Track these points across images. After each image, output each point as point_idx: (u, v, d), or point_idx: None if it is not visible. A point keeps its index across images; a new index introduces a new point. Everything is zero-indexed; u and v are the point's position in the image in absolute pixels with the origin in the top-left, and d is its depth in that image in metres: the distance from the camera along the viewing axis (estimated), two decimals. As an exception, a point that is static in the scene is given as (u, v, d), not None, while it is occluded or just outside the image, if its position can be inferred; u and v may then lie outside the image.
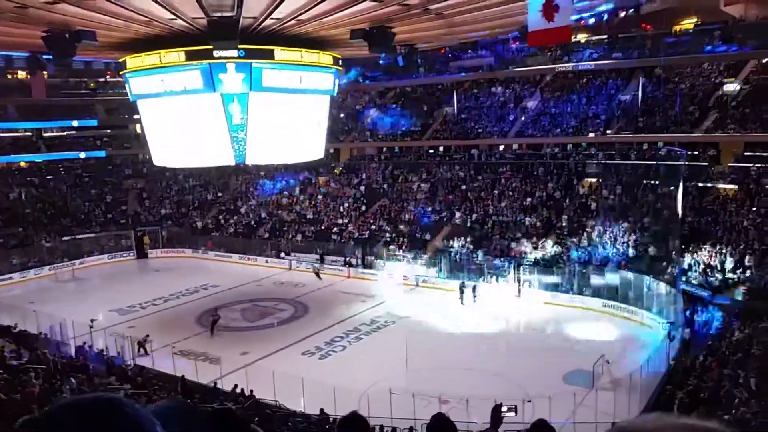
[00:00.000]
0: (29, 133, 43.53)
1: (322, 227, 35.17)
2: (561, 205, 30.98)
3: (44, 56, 17.77)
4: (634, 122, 32.06)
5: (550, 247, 28.16)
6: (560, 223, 29.69)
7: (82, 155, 43.90)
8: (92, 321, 20.61)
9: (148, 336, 20.23)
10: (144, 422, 1.03)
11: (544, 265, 26.85)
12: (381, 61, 34.85)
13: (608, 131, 32.71)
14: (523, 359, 19.19)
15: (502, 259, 27.79)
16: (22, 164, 42.43)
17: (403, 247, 31.17)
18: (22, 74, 43.20)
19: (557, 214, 30.28)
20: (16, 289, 28.78)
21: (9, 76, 43.47)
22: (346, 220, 35.42)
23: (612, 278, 24.52)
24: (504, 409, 11.42)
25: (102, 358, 18.39)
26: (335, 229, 34.63)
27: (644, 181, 29.90)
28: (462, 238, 30.54)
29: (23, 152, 42.16)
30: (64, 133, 44.93)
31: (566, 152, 34.47)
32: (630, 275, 24.02)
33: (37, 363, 17.01)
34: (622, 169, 31.18)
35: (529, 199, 32.23)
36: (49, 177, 41.70)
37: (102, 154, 44.51)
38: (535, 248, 28.37)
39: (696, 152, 29.62)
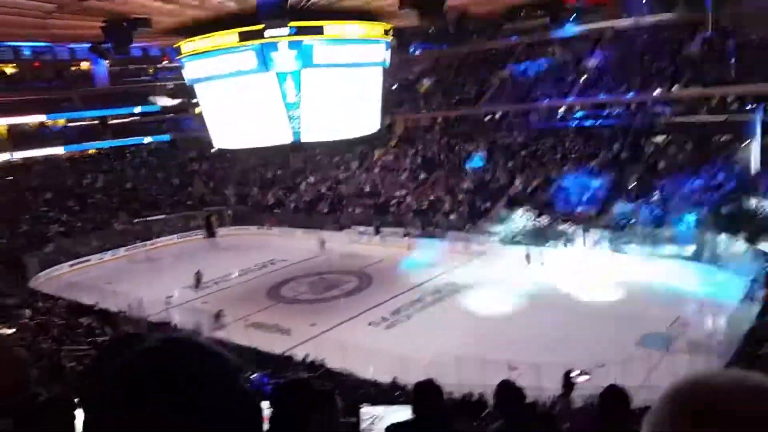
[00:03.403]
0: (95, 122, 45.37)
1: (381, 200, 35.29)
2: (628, 166, 29.91)
3: (104, 46, 18.39)
4: (703, 76, 30.39)
5: (618, 209, 27.31)
6: (628, 184, 28.68)
7: (147, 140, 45.51)
8: (168, 297, 21.61)
9: (221, 311, 20.99)
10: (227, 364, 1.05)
11: (614, 227, 26.11)
12: (432, 30, 34.46)
13: (674, 87, 31.16)
14: (594, 323, 18.77)
15: (568, 223, 27.16)
16: (91, 152, 44.33)
17: (464, 216, 30.94)
18: (85, 65, 44.89)
19: (625, 176, 29.24)
20: (94, 271, 30.29)
21: (73, 68, 45.25)
22: (403, 192, 35.40)
23: (686, 237, 23.61)
24: (575, 373, 11.30)
25: (179, 332, 19.23)
26: (393, 202, 34.69)
27: (716, 137, 28.53)
28: (525, 204, 30.00)
29: (91, 140, 44.02)
30: (128, 120, 46.61)
31: (631, 111, 33.14)
32: (705, 234, 23.07)
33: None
34: (692, 126, 29.76)
35: (593, 162, 31.25)
36: (116, 163, 43.44)
37: (166, 138, 46.00)
38: (603, 211, 27.55)
39: None
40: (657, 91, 31.72)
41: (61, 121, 44.52)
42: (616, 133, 32.42)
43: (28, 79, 42.48)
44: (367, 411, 4.68)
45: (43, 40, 32.28)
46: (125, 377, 0.98)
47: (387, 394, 13.47)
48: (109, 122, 45.91)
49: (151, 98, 45.34)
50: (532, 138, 35.21)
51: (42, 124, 43.48)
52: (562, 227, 27.14)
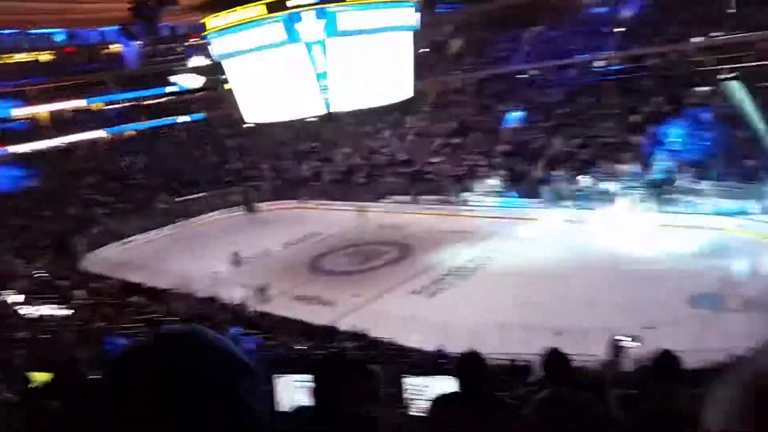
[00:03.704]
0: (130, 103, 46.09)
1: (416, 168, 35.02)
2: (671, 120, 28.87)
3: (133, 27, 18.50)
4: (746, 21, 28.83)
5: (663, 165, 26.48)
6: (671, 139, 27.74)
7: (182, 119, 46.07)
8: (214, 273, 22.08)
9: (266, 285, 21.33)
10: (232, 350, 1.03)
11: (660, 185, 25.36)
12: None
13: (716, 34, 29.72)
14: (643, 285, 18.28)
15: (610, 183, 26.50)
16: (127, 134, 45.15)
17: (502, 180, 30.50)
18: (115, 47, 45.38)
19: (667, 130, 28.27)
20: (141, 250, 31.06)
21: (104, 51, 45.82)
22: (439, 159, 35.04)
23: (738, 193, 22.76)
24: (624, 339, 10.98)
25: (226, 307, 19.67)
26: (429, 168, 34.38)
27: (765, 83, 27.22)
28: (564, 164, 29.38)
29: (127, 122, 44.80)
30: (163, 100, 47.18)
31: (671, 62, 31.85)
32: (760, 187, 22.19)
33: (170, 316, 18.51)
34: (738, 73, 28.42)
35: (634, 117, 30.27)
36: (154, 143, 44.17)
37: (201, 116, 46.49)
38: (647, 167, 26.76)
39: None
40: (697, 39, 30.34)
41: (99, 105, 45.33)
42: (656, 86, 31.27)
43: (63, 64, 43.21)
44: (410, 382, 4.65)
45: (74, 24, 32.79)
46: (108, 374, 0.98)
47: (431, 362, 13.50)
48: (144, 103, 46.63)
49: (174, 78, 45.60)
50: (569, 95, 34.27)
51: (78, 109, 44.34)
52: (604, 186, 26.50)
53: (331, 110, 19.04)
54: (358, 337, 16.04)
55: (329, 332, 16.66)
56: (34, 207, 33.63)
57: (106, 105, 45.29)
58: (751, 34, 28.44)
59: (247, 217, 35.59)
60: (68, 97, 42.91)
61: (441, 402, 3.47)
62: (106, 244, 31.50)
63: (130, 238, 32.63)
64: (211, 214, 36.24)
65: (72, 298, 20.05)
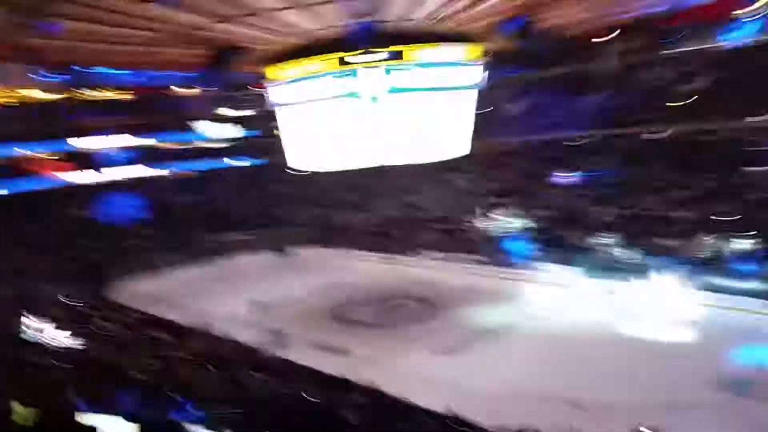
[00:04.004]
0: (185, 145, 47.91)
1: (453, 225, 34.68)
2: (722, 198, 27.86)
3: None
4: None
5: (708, 243, 25.42)
6: (719, 217, 26.63)
7: (240, 163, 47.63)
8: (234, 316, 21.95)
9: (282, 328, 21.06)
10: None
11: (704, 262, 24.31)
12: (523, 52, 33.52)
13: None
14: (672, 364, 17.42)
15: (651, 257, 25.55)
16: (185, 173, 46.65)
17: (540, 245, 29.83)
18: (181, 90, 47.48)
19: (716, 208, 27.24)
20: (170, 284, 31.43)
21: (167, 94, 47.99)
22: (477, 217, 34.60)
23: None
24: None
25: (242, 349, 19.42)
26: (466, 226, 33.98)
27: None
28: (605, 233, 28.53)
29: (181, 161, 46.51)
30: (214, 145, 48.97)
31: (726, 139, 30.90)
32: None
33: (186, 352, 18.40)
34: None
35: (683, 192, 29.39)
36: (204, 184, 45.50)
37: (247, 161, 47.89)
38: (692, 244, 25.73)
39: None
40: (755, 119, 29.46)
41: (168, 144, 47.24)
42: (708, 162, 30.33)
43: (127, 102, 45.41)
44: None
45: (144, 68, 34.49)
46: None
47: (442, 425, 12.88)
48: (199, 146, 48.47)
49: (194, 124, 47.07)
50: (617, 163, 33.60)
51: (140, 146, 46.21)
52: (644, 259, 25.56)
53: (384, 163, 18.88)
54: (371, 392, 15.50)
55: (342, 384, 16.15)
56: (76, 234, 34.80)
57: (173, 144, 47.12)
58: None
59: (281, 260, 35.76)
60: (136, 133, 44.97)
61: None
62: (137, 274, 32.03)
63: (161, 271, 33.10)
64: (249, 255, 36.57)
65: (92, 326, 20.22)
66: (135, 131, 44.96)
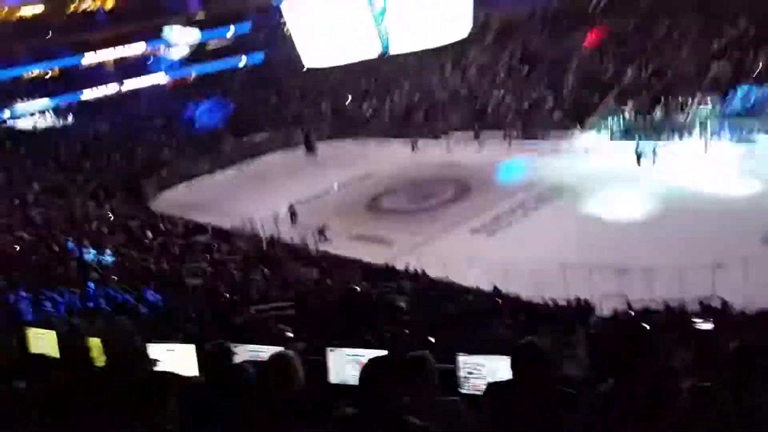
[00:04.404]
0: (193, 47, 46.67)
1: (478, 103, 33.98)
2: (756, 43, 26.50)
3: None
4: None
5: (741, 93, 24.54)
6: (756, 64, 25.52)
7: (243, 61, 46.41)
8: (276, 215, 22.61)
9: (325, 225, 21.60)
10: None
11: (737, 116, 23.62)
12: None
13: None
14: (713, 222, 17.26)
15: (684, 114, 24.89)
16: (192, 77, 45.95)
17: (568, 114, 29.21)
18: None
19: (753, 54, 25.99)
20: (207, 190, 31.95)
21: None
22: (502, 92, 33.80)
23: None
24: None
25: (288, 247, 20.15)
26: (492, 103, 33.28)
27: None
28: (636, 95, 27.72)
29: (191, 65, 45.57)
30: (225, 44, 47.62)
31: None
32: None
33: (235, 254, 19.16)
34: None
35: (716, 42, 27.96)
36: (217, 85, 44.79)
37: (260, 56, 46.62)
38: (725, 97, 24.88)
39: None
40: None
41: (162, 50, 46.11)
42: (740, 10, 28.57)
43: (125, 10, 43.99)
44: (464, 360, 4.49)
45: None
46: None
47: (488, 301, 13.39)
48: (207, 47, 47.14)
49: (166, 28, 45.33)
50: (641, 20, 31.92)
51: (143, 53, 45.29)
52: (678, 118, 24.95)
53: (390, 52, 18.52)
54: (415, 276, 16.09)
55: (388, 271, 16.77)
56: (104, 150, 35.24)
57: (167, 48, 45.95)
58: None
59: (307, 157, 35.88)
60: (130, 42, 43.78)
61: (495, 389, 3.31)
62: (175, 185, 32.67)
63: (197, 179, 33.66)
64: (273, 154, 36.74)
65: (143, 238, 21.00)
66: (140, 37, 43.79)
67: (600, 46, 32.21)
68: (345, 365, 4.78)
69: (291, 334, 9.23)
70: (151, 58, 45.60)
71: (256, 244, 20.59)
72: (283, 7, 19.71)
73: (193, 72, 45.92)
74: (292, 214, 23.52)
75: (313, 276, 16.28)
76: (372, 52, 18.54)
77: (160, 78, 44.78)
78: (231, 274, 16.47)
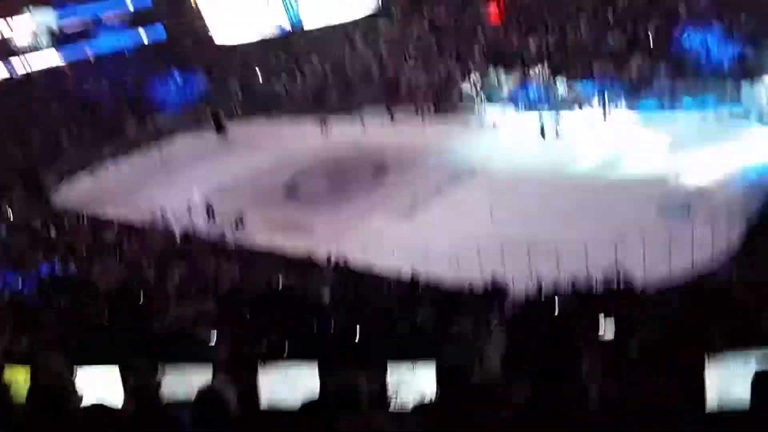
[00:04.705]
0: (89, 21, 43.52)
1: (390, 76, 34.00)
2: (646, 14, 27.98)
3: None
4: None
5: (637, 64, 25.93)
6: (647, 35, 26.96)
7: (143, 36, 43.91)
8: (189, 205, 21.87)
9: (242, 213, 21.05)
10: None
11: (633, 86, 24.97)
12: None
13: None
14: (614, 193, 18.45)
15: (583, 84, 26.02)
16: (91, 59, 42.95)
17: (478, 86, 29.79)
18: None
19: (643, 26, 27.44)
20: (112, 179, 30.46)
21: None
22: (413, 64, 33.95)
23: (709, 90, 22.49)
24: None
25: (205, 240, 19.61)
26: (404, 77, 33.40)
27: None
28: (538, 65, 28.64)
29: (88, 41, 42.53)
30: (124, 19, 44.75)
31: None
32: (728, 84, 21.94)
33: (147, 251, 18.46)
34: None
35: (610, 11, 29.28)
36: (115, 64, 42.18)
37: (162, 32, 44.27)
38: (621, 67, 26.20)
39: None
40: None
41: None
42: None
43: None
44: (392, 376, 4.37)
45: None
46: None
47: (410, 288, 13.68)
48: (104, 22, 44.12)
49: None
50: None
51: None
52: (576, 89, 26.03)
53: (303, 27, 18.41)
54: (337, 266, 16.14)
55: (307, 262, 16.72)
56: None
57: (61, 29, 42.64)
58: None
59: (218, 137, 34.73)
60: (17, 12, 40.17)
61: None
62: (77, 175, 30.83)
63: (101, 167, 31.86)
64: (180, 136, 35.28)
65: (46, 238, 19.82)
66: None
67: (503, 20, 32.86)
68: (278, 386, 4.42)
69: (213, 339, 9.11)
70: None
71: (170, 238, 19.90)
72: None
73: (88, 50, 42.85)
74: (209, 210, 22.39)
75: (232, 272, 16.00)
76: (283, 28, 18.30)
77: (53, 58, 41.45)
78: (144, 274, 15.91)
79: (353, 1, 18.56)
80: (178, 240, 19.77)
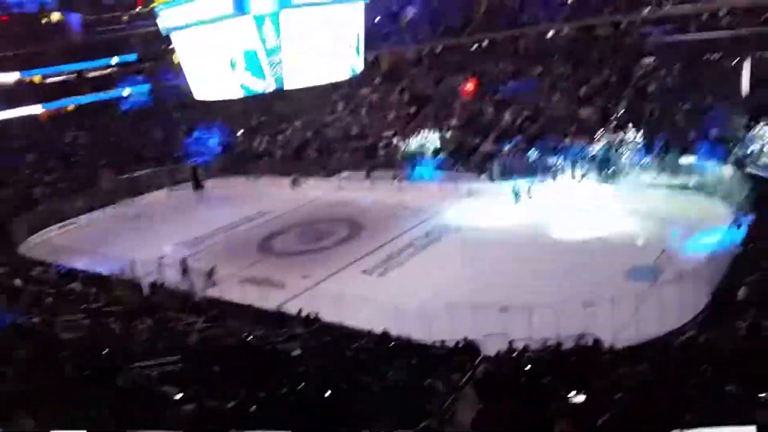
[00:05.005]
0: (72, 76, 44.04)
1: (369, 142, 34.74)
2: (617, 92, 29.33)
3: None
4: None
5: (608, 138, 26.94)
6: (618, 111, 28.17)
7: (127, 92, 44.42)
8: (160, 258, 21.60)
9: (214, 267, 20.98)
10: None
11: (603, 157, 25.86)
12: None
13: (664, 3, 30.07)
14: (584, 258, 18.86)
15: (557, 156, 26.88)
16: (70, 108, 43.28)
17: (453, 154, 30.57)
18: (56, 16, 43.19)
19: (615, 102, 28.70)
20: (84, 232, 30.10)
21: (44, 20, 43.51)
22: (392, 132, 34.81)
23: (674, 164, 23.42)
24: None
25: (174, 293, 19.29)
26: (382, 143, 34.15)
27: (706, 56, 27.96)
28: (514, 137, 29.58)
29: (69, 95, 42.86)
30: (107, 72, 45.37)
31: (621, 32, 32.21)
32: (693, 159, 22.90)
33: (114, 304, 18.04)
34: (682, 45, 29.05)
35: (583, 89, 30.62)
36: (98, 117, 42.49)
37: (146, 87, 44.91)
38: (593, 140, 27.19)
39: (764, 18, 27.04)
40: (646, 10, 30.67)
41: (37, 78, 43.18)
42: (606, 57, 31.66)
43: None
44: None
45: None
46: None
47: (382, 345, 13.58)
48: (87, 75, 44.69)
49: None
50: (520, 66, 34.39)
51: (18, 81, 42.18)
52: (550, 159, 26.86)
53: (285, 87, 18.82)
54: (308, 321, 15.97)
55: (280, 318, 16.53)
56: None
57: (46, 77, 43.15)
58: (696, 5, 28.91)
59: (195, 194, 34.80)
60: (2, 69, 40.64)
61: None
62: (48, 226, 30.38)
63: (72, 219, 31.51)
64: (158, 191, 35.28)
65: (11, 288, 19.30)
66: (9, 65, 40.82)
67: (475, 95, 34.10)
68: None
69: (178, 396, 8.87)
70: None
71: (138, 291, 19.55)
72: (174, 37, 19.46)
73: (70, 103, 43.23)
74: (184, 269, 21.58)
75: (200, 326, 15.69)
76: (265, 87, 18.69)
77: (33, 108, 41.65)
78: (110, 327, 15.51)
79: (335, 65, 19.10)
80: (147, 293, 19.40)
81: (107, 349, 13.14)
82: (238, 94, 19.62)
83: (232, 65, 17.64)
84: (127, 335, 14.65)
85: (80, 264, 22.64)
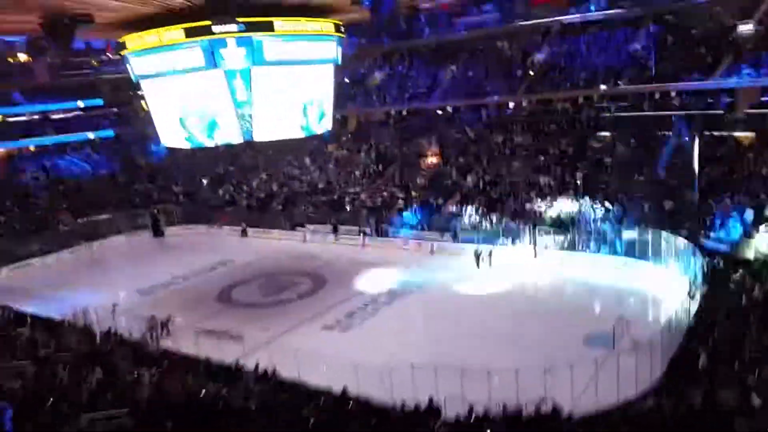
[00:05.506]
0: (36, 116, 43.44)
1: (335, 197, 35.01)
2: (574, 162, 30.51)
3: (44, 40, 17.74)
4: (646, 72, 31.11)
5: (564, 207, 27.79)
6: (574, 181, 29.23)
7: (91, 135, 43.97)
8: (114, 305, 20.98)
9: (170, 317, 20.46)
10: None
11: (560, 225, 26.59)
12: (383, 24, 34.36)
13: (619, 82, 31.80)
14: (543, 323, 19.18)
15: (516, 221, 27.54)
16: (31, 148, 42.54)
17: (416, 213, 31.02)
18: (23, 57, 42.83)
19: (571, 172, 29.81)
20: (37, 275, 29.11)
21: (11, 60, 43.09)
22: (358, 189, 35.21)
23: (629, 235, 24.24)
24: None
25: (127, 342, 18.63)
26: (347, 198, 34.46)
27: (659, 133, 29.45)
28: (475, 201, 30.26)
29: (32, 136, 42.18)
30: (71, 115, 44.90)
31: (578, 106, 33.78)
32: (647, 231, 23.74)
33: (64, 351, 17.31)
34: (636, 122, 30.59)
35: (542, 158, 31.74)
36: (59, 160, 41.81)
37: (110, 133, 44.57)
38: (550, 208, 28.01)
39: (711, 100, 28.80)
40: (602, 87, 32.30)
41: (-1, 117, 42.45)
42: (563, 129, 33.06)
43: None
44: None
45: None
46: None
47: (338, 405, 13.36)
48: (51, 117, 44.11)
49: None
50: (482, 133, 35.56)
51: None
52: (510, 225, 27.46)
53: (254, 139, 19.12)
54: (266, 377, 15.62)
55: (236, 372, 16.10)
56: None
57: (7, 117, 42.43)
58: (649, 85, 30.64)
59: (155, 241, 34.18)
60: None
61: None
62: (3, 267, 29.31)
63: (26, 261, 30.47)
64: (116, 236, 34.52)
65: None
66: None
67: (438, 167, 34.99)
68: None
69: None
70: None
71: (89, 338, 18.82)
72: (144, 85, 19.66)
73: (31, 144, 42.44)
74: (135, 312, 20.77)
75: (152, 378, 15.14)
76: (233, 138, 18.91)
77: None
78: (58, 376, 14.84)
79: (302, 121, 19.54)
80: (99, 341, 18.69)
81: (52, 399, 12.61)
82: (187, 144, 19.88)
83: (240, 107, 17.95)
84: (76, 385, 14.03)
85: (31, 307, 21.75)
